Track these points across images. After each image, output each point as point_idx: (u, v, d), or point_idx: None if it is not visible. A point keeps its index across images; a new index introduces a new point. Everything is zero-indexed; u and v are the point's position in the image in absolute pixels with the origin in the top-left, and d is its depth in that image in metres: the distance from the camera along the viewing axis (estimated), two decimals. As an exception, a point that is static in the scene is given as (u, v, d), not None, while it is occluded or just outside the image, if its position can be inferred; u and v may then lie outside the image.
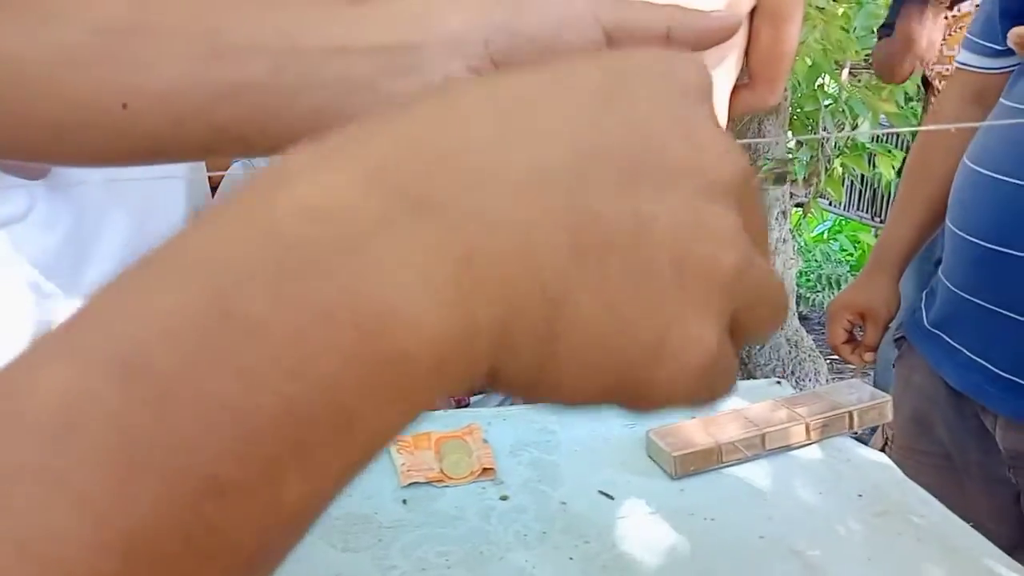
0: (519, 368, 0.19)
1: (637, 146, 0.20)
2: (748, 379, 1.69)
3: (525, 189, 0.19)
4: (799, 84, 2.88)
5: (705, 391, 0.22)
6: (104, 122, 0.31)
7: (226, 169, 1.03)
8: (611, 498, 0.75)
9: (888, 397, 0.87)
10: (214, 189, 1.06)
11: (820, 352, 3.01)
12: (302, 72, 0.31)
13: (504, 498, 0.74)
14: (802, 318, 3.44)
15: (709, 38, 0.32)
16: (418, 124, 0.20)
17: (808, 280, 4.28)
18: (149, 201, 0.97)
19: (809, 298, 4.16)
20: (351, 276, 0.16)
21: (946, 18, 1.83)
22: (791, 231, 3.10)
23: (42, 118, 0.31)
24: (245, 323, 0.16)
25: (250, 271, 0.16)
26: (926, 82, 1.97)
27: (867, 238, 4.73)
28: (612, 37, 0.31)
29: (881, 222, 5.27)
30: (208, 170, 1.12)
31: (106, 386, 0.15)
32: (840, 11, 2.73)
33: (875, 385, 1.09)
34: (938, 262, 1.11)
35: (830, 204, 5.15)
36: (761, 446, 0.81)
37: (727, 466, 0.80)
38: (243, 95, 0.31)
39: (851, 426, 0.86)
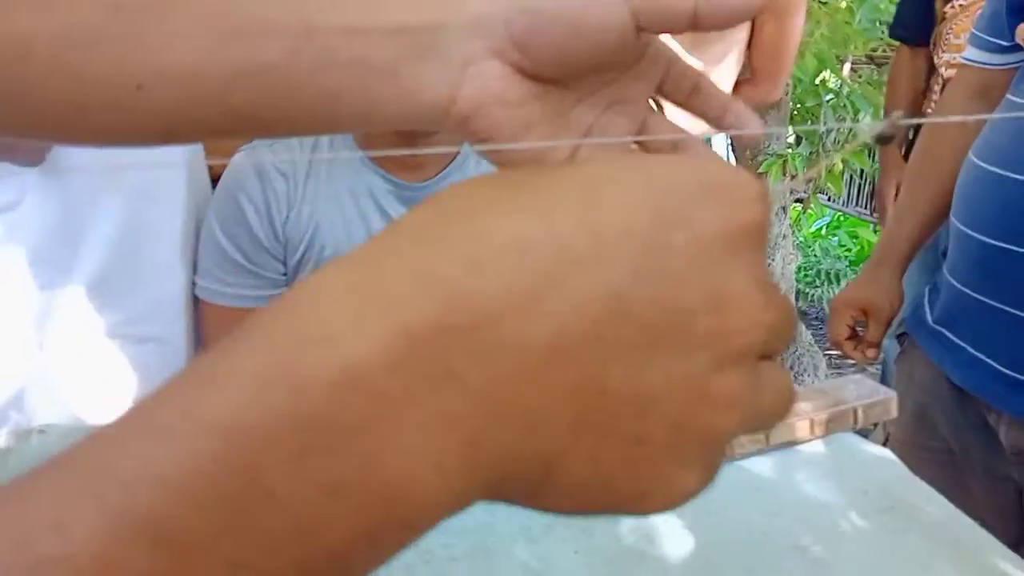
0: (509, 499, 0.21)
1: (666, 308, 0.20)
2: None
3: (541, 368, 0.19)
4: (801, 79, 2.87)
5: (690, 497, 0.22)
6: (118, 103, 0.31)
7: (229, 157, 1.02)
8: (615, 492, 0.75)
9: (894, 393, 0.87)
10: (216, 179, 1.05)
11: (819, 347, 3.01)
12: (319, 54, 0.30)
13: (508, 491, 0.74)
14: (801, 314, 3.44)
15: (735, 17, 0.31)
16: (461, 283, 0.19)
17: (807, 276, 4.28)
18: (145, 187, 0.96)
19: (808, 293, 4.16)
20: (368, 456, 0.18)
21: (952, 7, 1.82)
22: (791, 226, 3.10)
23: (55, 98, 0.31)
24: (268, 495, 0.17)
25: (275, 443, 0.17)
26: (932, 69, 1.96)
27: (866, 234, 4.73)
28: (639, 19, 0.29)
29: (880, 219, 5.26)
30: (209, 158, 1.12)
31: (136, 553, 0.16)
32: (843, 4, 2.72)
33: (882, 381, 1.08)
34: (943, 256, 1.11)
35: (829, 199, 5.15)
36: (765, 441, 0.81)
37: (731, 461, 0.80)
38: (258, 77, 0.30)
39: (856, 422, 0.86)
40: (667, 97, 0.36)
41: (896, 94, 1.97)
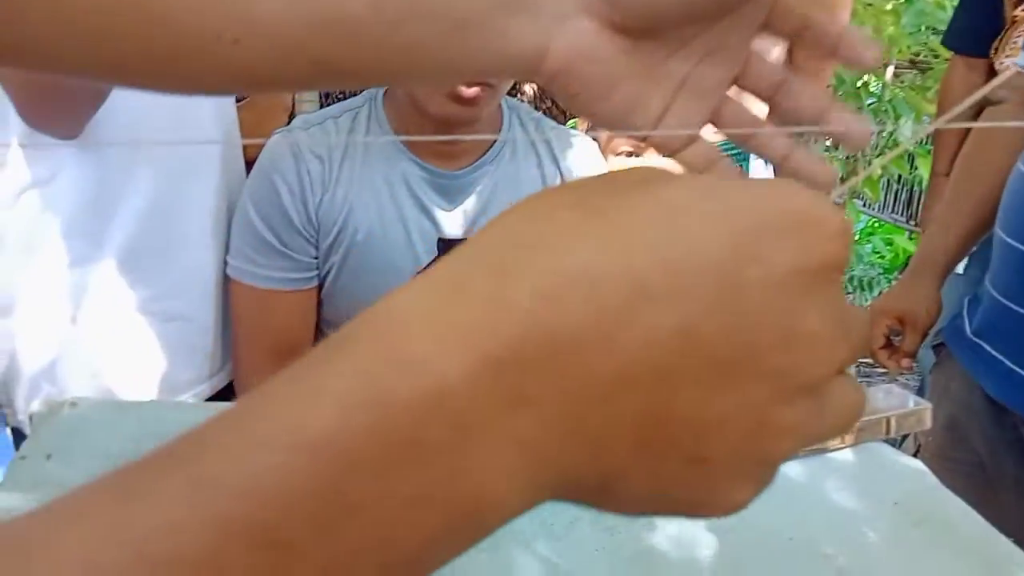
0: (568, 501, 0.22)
1: (735, 344, 0.20)
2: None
3: (610, 395, 0.20)
4: (842, 82, 2.83)
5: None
6: (210, 53, 0.31)
7: (265, 139, 1.03)
8: (639, 491, 0.74)
9: (928, 404, 0.85)
10: (251, 162, 1.05)
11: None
12: (403, 4, 0.30)
13: (531, 485, 0.73)
14: (831, 319, 3.38)
15: None
16: (536, 315, 0.20)
17: (839, 281, 4.22)
18: (179, 164, 0.97)
19: (839, 299, 4.10)
20: (448, 473, 0.19)
21: (1015, 20, 1.73)
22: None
23: (145, 47, 0.32)
24: (355, 509, 0.18)
25: (362, 461, 0.18)
26: (992, 75, 1.85)
27: (901, 241, 4.65)
28: None
29: (917, 226, 5.18)
30: (244, 138, 1.12)
31: (241, 557, 0.18)
32: (889, 6, 2.67)
33: (919, 392, 1.06)
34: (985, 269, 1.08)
35: (864, 205, 5.07)
36: (794, 447, 0.80)
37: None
38: (343, 27, 0.31)
39: (888, 432, 0.84)
40: (774, 35, 0.35)
41: (949, 109, 1.87)
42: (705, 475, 0.21)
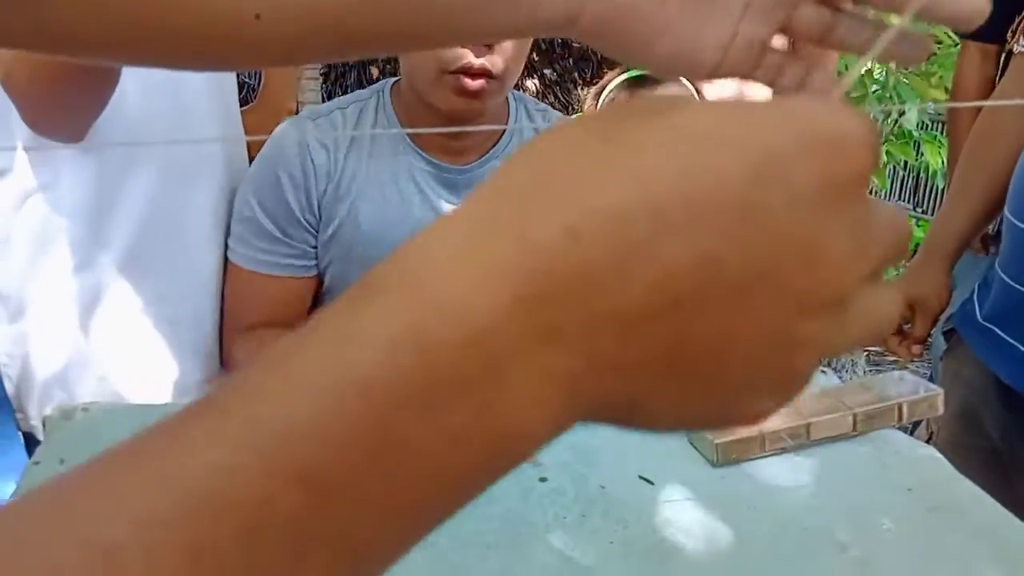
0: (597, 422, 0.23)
1: (757, 268, 0.21)
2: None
3: (636, 325, 0.20)
4: (846, 69, 2.82)
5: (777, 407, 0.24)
6: (239, 33, 0.32)
7: (267, 135, 1.02)
8: (651, 484, 0.74)
9: (940, 390, 0.85)
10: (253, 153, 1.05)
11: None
12: None
13: (543, 480, 0.73)
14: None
15: None
16: (562, 250, 0.20)
17: (846, 270, 4.21)
18: (180, 165, 0.97)
19: (847, 288, 4.08)
20: (486, 406, 0.20)
21: None
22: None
23: (182, 28, 0.32)
24: (401, 444, 0.19)
25: (406, 399, 0.19)
26: (1009, 58, 1.79)
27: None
28: None
29: (923, 213, 5.15)
30: (248, 133, 1.12)
31: (290, 495, 0.18)
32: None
33: (931, 379, 1.06)
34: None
35: (871, 193, 5.04)
36: (806, 436, 0.80)
37: (770, 455, 0.78)
38: (374, 3, 0.32)
39: (900, 419, 0.83)
40: None
41: (964, 95, 1.74)
42: (730, 391, 0.22)
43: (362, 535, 0.19)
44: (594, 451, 0.78)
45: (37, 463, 0.73)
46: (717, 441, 0.77)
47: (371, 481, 0.19)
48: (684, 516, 0.70)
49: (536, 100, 1.13)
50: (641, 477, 0.75)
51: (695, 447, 0.80)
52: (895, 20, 0.35)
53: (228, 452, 0.18)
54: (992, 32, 1.68)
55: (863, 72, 2.86)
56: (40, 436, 0.88)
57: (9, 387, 0.96)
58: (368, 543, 0.20)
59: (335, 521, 0.19)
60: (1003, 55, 1.71)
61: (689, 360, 0.21)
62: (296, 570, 0.19)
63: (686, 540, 0.67)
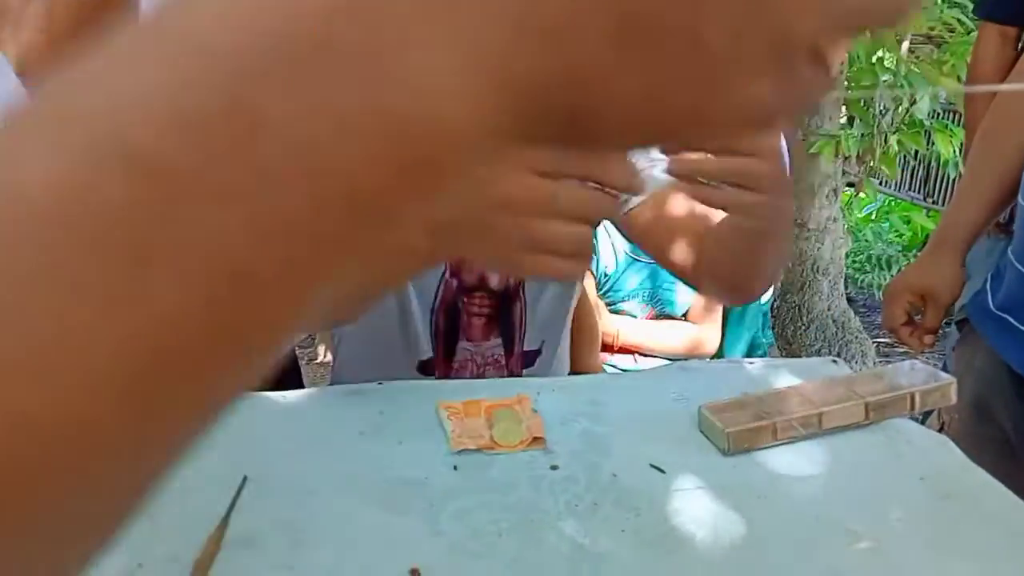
0: (551, 137, 0.18)
1: None
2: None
3: None
4: (856, 58, 2.80)
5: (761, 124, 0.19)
6: None
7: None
8: (662, 472, 0.74)
9: (952, 379, 0.84)
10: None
11: (867, 334, 2.95)
12: None
13: (554, 468, 0.73)
14: (849, 299, 3.37)
15: None
16: None
17: (856, 261, 4.20)
18: None
19: (857, 279, 4.08)
20: (371, 80, 0.15)
21: None
22: (841, 210, 3.03)
23: None
24: (260, 122, 0.15)
25: (265, 67, 0.15)
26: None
27: (919, 219, 4.61)
28: None
29: (934, 203, 5.12)
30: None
31: (108, 183, 0.14)
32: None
33: (944, 369, 1.05)
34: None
35: (881, 183, 5.02)
36: (818, 425, 0.79)
37: (781, 444, 0.78)
38: None
39: (912, 408, 0.83)
40: None
41: (981, 80, 1.66)
42: (705, 65, 0.17)
43: (232, 252, 0.15)
44: (606, 439, 0.78)
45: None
46: (728, 430, 0.77)
47: (222, 168, 0.14)
48: (695, 505, 0.70)
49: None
50: (652, 465, 0.75)
51: (706, 436, 0.80)
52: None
53: (26, 146, 0.15)
54: (1013, 14, 1.62)
55: (874, 60, 2.84)
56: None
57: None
58: (233, 253, 0.15)
59: (181, 221, 0.14)
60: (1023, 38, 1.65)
61: (652, 22, 0.17)
62: (137, 277, 0.14)
63: (697, 529, 0.67)
